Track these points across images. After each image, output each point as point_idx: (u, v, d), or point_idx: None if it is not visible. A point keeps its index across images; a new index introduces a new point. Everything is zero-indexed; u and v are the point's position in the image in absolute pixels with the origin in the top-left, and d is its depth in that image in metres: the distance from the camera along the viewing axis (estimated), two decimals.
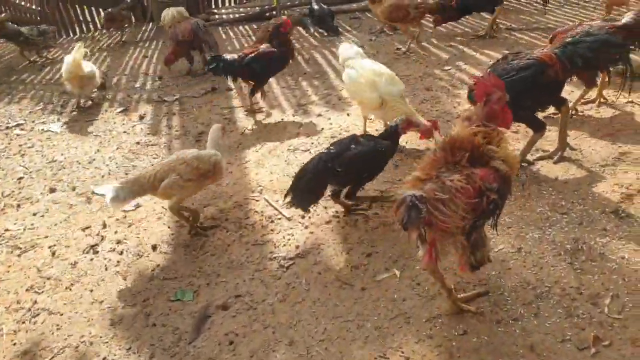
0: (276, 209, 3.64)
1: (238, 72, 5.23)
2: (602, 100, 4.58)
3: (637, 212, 3.14)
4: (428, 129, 3.54)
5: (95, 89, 6.18)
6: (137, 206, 3.89)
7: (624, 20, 4.19)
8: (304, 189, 3.24)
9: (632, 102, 4.50)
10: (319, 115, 5.18)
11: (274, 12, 9.27)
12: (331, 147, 3.33)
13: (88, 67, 5.83)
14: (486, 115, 2.52)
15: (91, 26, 10.64)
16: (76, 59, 5.57)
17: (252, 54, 5.13)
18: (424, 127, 3.54)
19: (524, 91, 3.42)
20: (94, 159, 4.73)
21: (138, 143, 4.97)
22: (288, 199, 3.30)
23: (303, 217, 3.52)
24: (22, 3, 11.16)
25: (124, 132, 5.27)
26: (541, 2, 7.66)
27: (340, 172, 3.19)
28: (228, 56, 5.23)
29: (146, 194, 3.38)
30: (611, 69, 3.84)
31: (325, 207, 3.59)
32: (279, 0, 8.78)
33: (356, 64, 4.32)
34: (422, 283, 2.83)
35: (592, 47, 3.50)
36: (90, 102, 6.10)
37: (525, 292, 2.69)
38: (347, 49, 4.60)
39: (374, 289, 2.84)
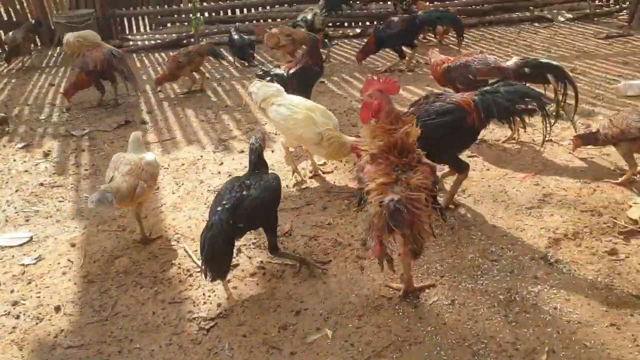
0: (194, 261, 3.36)
1: (287, 84, 5.01)
2: (519, 139, 4.66)
3: (565, 257, 3.14)
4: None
5: None
6: (39, 259, 3.49)
7: (507, 63, 4.39)
8: (220, 259, 2.88)
9: (551, 140, 4.60)
10: (241, 152, 4.96)
11: (192, 40, 8.99)
12: (224, 202, 2.94)
13: None
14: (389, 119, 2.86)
15: None
16: None
17: (296, 67, 5.22)
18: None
19: (444, 136, 3.43)
20: None
21: (42, 184, 4.52)
22: (208, 276, 2.89)
23: None
24: None
25: (25, 171, 4.79)
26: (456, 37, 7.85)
27: (244, 226, 2.94)
28: (277, 70, 5.21)
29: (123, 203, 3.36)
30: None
31: (250, 257, 3.36)
32: (197, 27, 8.50)
33: (284, 100, 4.14)
34: (356, 343, 2.64)
35: (508, 97, 3.52)
36: None
37: (462, 350, 2.57)
38: (264, 87, 4.35)
39: (304, 352, 2.62)
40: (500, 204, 3.74)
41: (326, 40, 7.84)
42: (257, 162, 3.16)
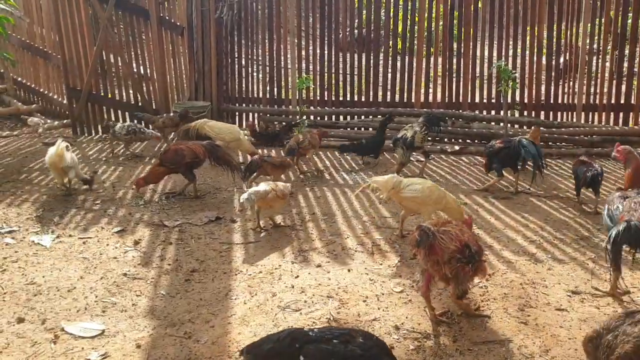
0: None
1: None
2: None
3: None
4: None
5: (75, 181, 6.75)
6: (104, 356, 3.56)
7: None
8: None
9: None
10: (319, 266, 4.92)
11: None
12: None
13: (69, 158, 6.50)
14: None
15: None
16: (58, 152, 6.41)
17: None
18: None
19: None
20: (74, 287, 4.46)
21: (125, 274, 4.70)
22: None
23: None
24: (55, 97, 11.56)
25: (114, 258, 5.04)
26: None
27: None
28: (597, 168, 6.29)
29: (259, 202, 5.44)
30: None
31: None
32: (300, 130, 8.83)
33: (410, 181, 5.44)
34: None
35: None
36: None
37: None
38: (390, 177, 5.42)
39: None
40: None
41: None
42: None
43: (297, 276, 4.71)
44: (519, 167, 7.23)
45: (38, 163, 8.24)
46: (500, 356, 3.58)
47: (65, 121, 10.85)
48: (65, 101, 10.99)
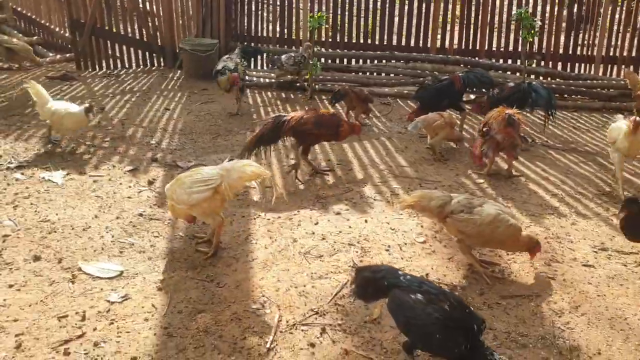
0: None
1: None
2: None
3: None
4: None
5: None
6: (125, 298, 3.47)
7: None
8: None
9: None
10: (338, 213, 4.81)
11: (305, 83, 9.08)
12: None
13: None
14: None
15: (119, 63, 10.49)
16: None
17: None
18: None
19: None
20: (89, 226, 4.33)
21: (141, 215, 4.58)
22: None
23: (312, 344, 3.09)
24: (57, 29, 11.14)
25: (128, 197, 4.90)
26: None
27: None
28: None
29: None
30: None
31: (334, 341, 3.16)
32: (314, 72, 8.56)
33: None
34: None
35: None
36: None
37: None
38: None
39: None
40: (618, 332, 3.32)
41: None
42: None
43: (317, 223, 4.60)
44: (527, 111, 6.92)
45: None
46: (529, 310, 3.52)
47: (68, 55, 10.47)
48: (68, 34, 10.57)
